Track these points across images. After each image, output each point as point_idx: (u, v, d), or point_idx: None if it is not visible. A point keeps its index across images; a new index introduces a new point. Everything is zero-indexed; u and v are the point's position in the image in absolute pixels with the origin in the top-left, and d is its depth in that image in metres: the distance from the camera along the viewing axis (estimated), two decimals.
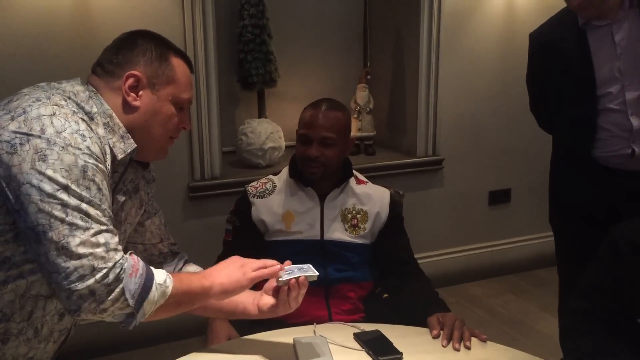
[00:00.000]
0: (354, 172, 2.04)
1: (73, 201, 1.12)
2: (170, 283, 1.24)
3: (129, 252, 1.22)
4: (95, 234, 1.14)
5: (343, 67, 3.52)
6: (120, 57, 1.33)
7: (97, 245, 1.13)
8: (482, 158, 3.56)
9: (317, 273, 1.44)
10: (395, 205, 2.04)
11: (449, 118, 3.39)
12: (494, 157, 3.58)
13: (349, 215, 1.96)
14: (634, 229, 1.50)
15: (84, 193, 1.14)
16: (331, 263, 1.92)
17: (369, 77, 3.36)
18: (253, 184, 2.03)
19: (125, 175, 1.39)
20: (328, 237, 1.94)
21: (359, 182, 2.04)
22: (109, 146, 1.28)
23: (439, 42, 3.25)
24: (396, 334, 1.56)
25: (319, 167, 1.91)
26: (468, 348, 1.54)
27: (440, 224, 3.52)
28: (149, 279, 1.20)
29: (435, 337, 1.59)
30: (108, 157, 1.26)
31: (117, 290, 1.14)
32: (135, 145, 1.33)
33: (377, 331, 1.58)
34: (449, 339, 1.57)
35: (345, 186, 1.99)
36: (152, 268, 1.24)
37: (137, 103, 1.33)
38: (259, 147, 3.02)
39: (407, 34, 3.33)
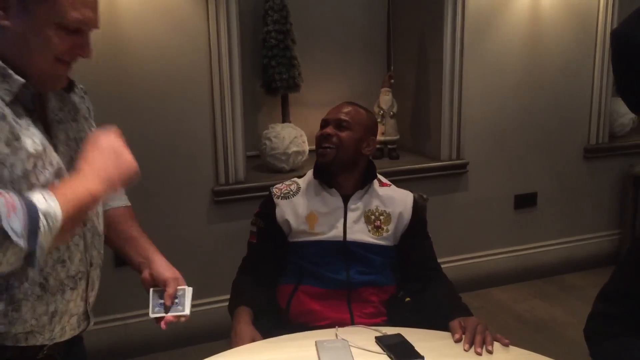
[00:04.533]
0: (378, 175, 2.05)
1: None
2: (55, 203, 1.03)
3: None
4: None
5: (366, 71, 3.52)
6: None
7: None
8: (507, 162, 3.53)
9: (187, 313, 1.37)
10: (418, 208, 2.04)
11: (473, 121, 3.37)
12: (519, 161, 3.55)
13: (372, 217, 1.97)
14: None
15: None
16: (354, 265, 1.93)
17: (392, 81, 3.36)
18: (278, 185, 2.05)
19: (49, 106, 1.22)
20: (351, 238, 1.94)
21: (382, 184, 2.05)
22: None
23: (462, 45, 3.24)
24: (418, 338, 1.56)
25: (331, 149, 1.94)
26: (490, 352, 1.53)
27: (465, 228, 3.50)
28: (31, 210, 0.99)
29: (457, 341, 1.59)
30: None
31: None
32: (23, 81, 1.11)
33: (399, 335, 1.58)
34: (471, 343, 1.56)
35: (368, 188, 2.00)
36: (27, 195, 1.03)
37: (6, 22, 1.05)
38: (283, 152, 3.04)
39: (430, 38, 3.32)
